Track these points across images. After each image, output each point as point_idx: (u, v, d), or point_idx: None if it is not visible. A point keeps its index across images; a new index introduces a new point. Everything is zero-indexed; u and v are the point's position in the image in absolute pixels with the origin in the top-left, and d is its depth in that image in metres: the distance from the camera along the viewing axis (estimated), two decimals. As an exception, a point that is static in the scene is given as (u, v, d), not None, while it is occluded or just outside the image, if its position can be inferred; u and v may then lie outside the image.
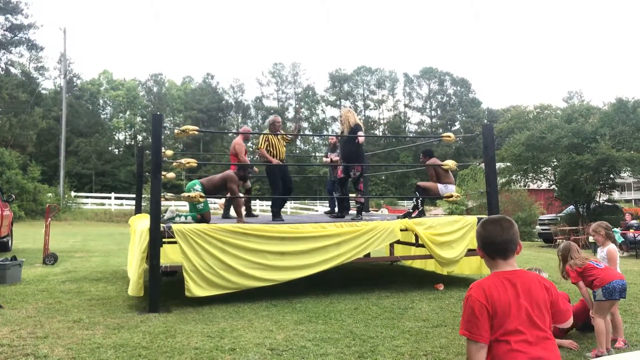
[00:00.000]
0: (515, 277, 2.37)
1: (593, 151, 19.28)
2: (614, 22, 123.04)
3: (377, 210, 27.93)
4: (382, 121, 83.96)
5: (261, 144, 8.95)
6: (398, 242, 8.94)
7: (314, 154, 69.24)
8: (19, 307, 6.38)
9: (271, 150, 8.92)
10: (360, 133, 8.34)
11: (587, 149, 19.72)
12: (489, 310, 2.28)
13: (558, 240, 19.06)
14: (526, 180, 23.81)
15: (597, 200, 22.20)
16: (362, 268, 10.27)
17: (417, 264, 10.19)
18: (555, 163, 22.11)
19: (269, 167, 8.83)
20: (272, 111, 78.95)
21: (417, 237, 8.15)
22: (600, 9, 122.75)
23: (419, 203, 8.62)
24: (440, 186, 8.51)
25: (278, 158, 8.96)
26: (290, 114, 79.20)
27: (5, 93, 33.33)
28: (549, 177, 23.66)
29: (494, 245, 2.42)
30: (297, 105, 74.59)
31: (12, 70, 41.37)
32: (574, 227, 19.86)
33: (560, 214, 23.40)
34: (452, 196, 8.43)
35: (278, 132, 9.12)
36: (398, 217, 8.54)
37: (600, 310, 4.66)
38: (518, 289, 2.33)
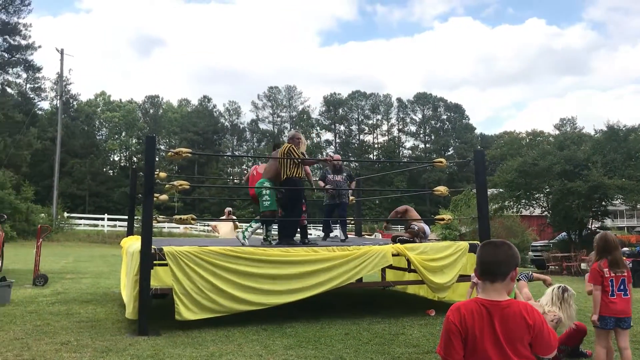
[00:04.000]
0: (496, 308, 2.33)
1: (585, 178, 19.41)
2: (606, 51, 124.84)
3: (370, 235, 27.89)
4: (376, 145, 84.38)
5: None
6: (390, 266, 8.93)
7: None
8: (6, 328, 6.32)
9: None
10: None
11: (579, 176, 19.85)
12: (462, 334, 2.31)
13: (550, 267, 19.06)
14: (519, 206, 23.90)
15: (589, 227, 22.28)
16: (353, 293, 10.23)
17: (412, 289, 10.15)
18: (547, 190, 22.22)
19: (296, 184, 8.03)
20: (267, 134, 79.27)
21: (409, 262, 8.15)
22: (593, 38, 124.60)
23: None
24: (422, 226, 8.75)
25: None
26: (286, 137, 79.30)
27: (1, 113, 33.35)
28: (541, 203, 23.75)
29: (483, 265, 2.41)
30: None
31: (9, 90, 41.52)
32: (566, 254, 19.87)
33: (552, 241, 23.45)
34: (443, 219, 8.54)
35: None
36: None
37: (597, 338, 4.58)
38: (495, 320, 2.31)
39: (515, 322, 2.31)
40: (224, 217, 13.82)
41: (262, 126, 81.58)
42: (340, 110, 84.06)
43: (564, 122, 78.17)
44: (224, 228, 13.99)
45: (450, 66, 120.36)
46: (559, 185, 20.04)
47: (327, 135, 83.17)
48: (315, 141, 79.38)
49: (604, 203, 21.41)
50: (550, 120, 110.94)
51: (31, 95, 52.28)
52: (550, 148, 22.32)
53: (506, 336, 2.29)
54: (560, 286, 5.13)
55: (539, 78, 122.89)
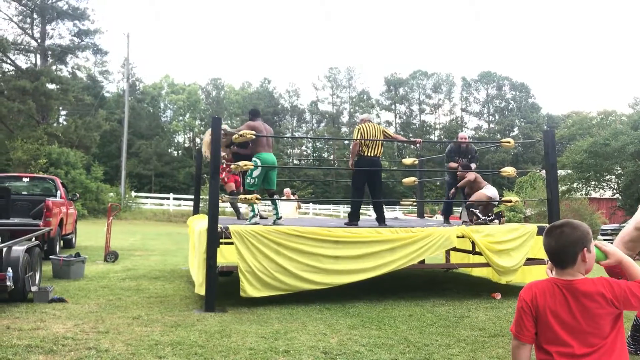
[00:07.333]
0: (570, 285, 2.27)
1: (661, 159, 18.51)
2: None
3: (431, 217, 27.57)
4: (438, 126, 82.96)
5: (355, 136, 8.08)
6: (455, 249, 8.79)
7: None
8: (81, 302, 6.61)
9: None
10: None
11: (655, 157, 18.95)
12: (532, 312, 2.31)
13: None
14: (588, 188, 23.08)
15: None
16: (416, 274, 10.16)
17: (477, 272, 9.96)
18: (619, 171, 21.32)
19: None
20: (327, 115, 79.30)
21: (474, 244, 8.00)
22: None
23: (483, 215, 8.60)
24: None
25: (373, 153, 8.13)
26: (345, 118, 79.24)
27: (71, 96, 34.63)
28: (612, 185, 22.84)
29: (548, 254, 2.37)
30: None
31: (79, 74, 42.98)
32: (639, 238, 19.02)
33: (623, 224, 22.53)
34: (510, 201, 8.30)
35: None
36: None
37: None
38: (569, 298, 2.25)
39: (593, 301, 2.22)
40: (284, 198, 13.97)
41: (321, 107, 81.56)
42: (401, 90, 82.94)
43: (638, 100, 74.46)
44: (285, 209, 14.14)
45: (515, 43, 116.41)
46: (633, 167, 19.20)
47: (388, 116, 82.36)
48: (375, 122, 78.62)
49: (681, 185, 20.35)
50: (624, 99, 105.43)
51: (99, 79, 54.12)
52: (623, 128, 21.35)
53: (583, 315, 2.22)
54: None
55: (611, 55, 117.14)
